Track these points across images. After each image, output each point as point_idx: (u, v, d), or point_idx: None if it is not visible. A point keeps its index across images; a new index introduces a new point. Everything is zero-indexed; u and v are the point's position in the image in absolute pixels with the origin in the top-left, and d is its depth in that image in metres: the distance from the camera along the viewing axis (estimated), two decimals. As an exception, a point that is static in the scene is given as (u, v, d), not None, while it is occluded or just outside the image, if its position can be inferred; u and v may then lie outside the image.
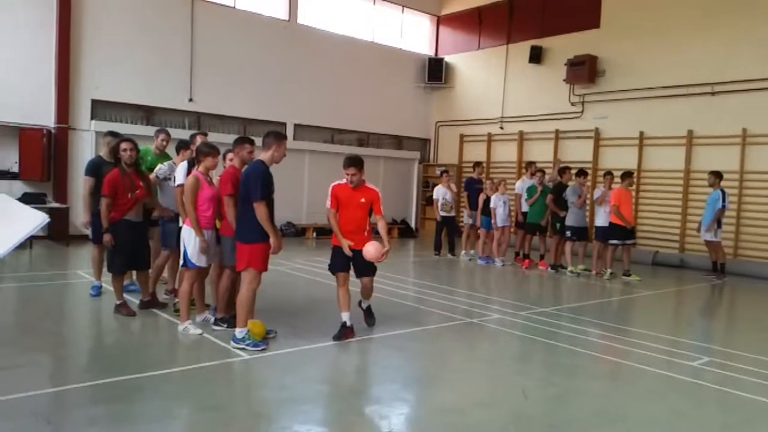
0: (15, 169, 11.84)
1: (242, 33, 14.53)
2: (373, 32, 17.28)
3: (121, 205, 6.20)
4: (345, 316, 5.78)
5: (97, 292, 7.15)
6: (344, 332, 5.73)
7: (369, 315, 6.26)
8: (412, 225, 17.80)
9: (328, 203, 5.84)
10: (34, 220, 3.76)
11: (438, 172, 14.69)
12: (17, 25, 11.70)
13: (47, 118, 12.15)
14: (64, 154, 12.32)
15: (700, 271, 11.66)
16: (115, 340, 5.78)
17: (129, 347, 5.52)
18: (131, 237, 6.32)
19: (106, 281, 6.93)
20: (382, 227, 5.92)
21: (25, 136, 11.80)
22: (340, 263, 5.83)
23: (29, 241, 11.14)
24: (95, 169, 6.90)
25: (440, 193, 12.33)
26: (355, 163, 5.72)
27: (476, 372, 5.21)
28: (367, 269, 5.90)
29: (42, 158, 11.91)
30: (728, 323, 8.41)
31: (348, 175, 5.71)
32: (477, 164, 13.01)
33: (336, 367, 5.10)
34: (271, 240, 5.29)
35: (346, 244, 5.72)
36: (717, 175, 10.87)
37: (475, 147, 17.12)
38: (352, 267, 5.89)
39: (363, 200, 5.78)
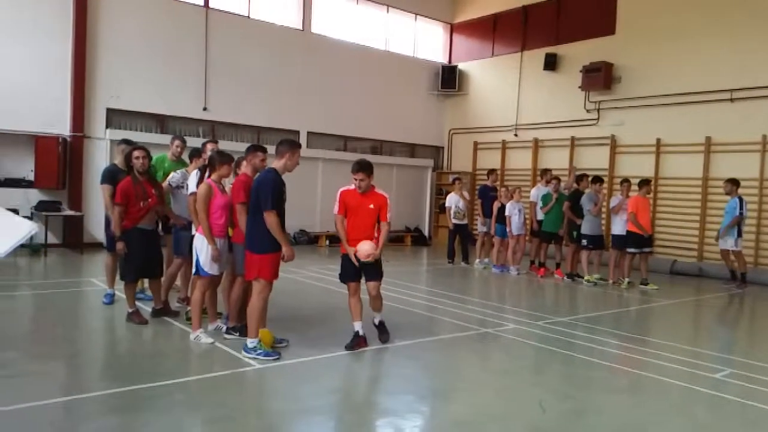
0: (31, 177, 11.94)
1: (256, 42, 14.58)
2: (386, 40, 17.27)
3: (134, 213, 6.18)
4: (357, 326, 5.70)
5: (110, 300, 7.13)
6: (357, 342, 5.64)
7: (383, 331, 5.97)
8: (426, 233, 17.69)
9: (336, 209, 5.74)
10: (23, 229, 3.72)
11: (451, 180, 14.59)
12: (34, 35, 11.82)
13: (63, 127, 12.24)
14: (79, 163, 12.40)
15: (719, 280, 11.44)
16: (127, 348, 5.74)
17: (141, 356, 5.48)
18: (144, 245, 6.29)
19: (120, 289, 6.91)
20: (382, 233, 5.75)
21: (41, 144, 11.89)
22: (350, 272, 5.74)
23: (44, 249, 11.22)
24: (111, 176, 6.89)
25: (453, 200, 12.24)
26: (363, 168, 5.60)
27: (491, 383, 5.09)
28: (373, 274, 5.74)
29: (57, 166, 11.99)
30: (749, 334, 8.21)
31: (356, 180, 5.60)
32: (491, 172, 12.91)
33: (349, 378, 5.01)
34: (284, 249, 5.23)
35: (352, 252, 5.60)
36: (734, 183, 10.69)
37: (490, 154, 17.01)
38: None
39: (372, 206, 5.67)
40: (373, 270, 5.72)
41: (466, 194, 12.47)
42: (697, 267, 12.30)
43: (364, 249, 5.55)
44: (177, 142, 7.60)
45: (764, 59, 11.86)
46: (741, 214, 10.50)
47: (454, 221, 12.22)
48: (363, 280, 5.81)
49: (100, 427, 3.82)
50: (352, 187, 5.66)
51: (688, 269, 12.29)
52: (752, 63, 12.01)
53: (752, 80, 11.97)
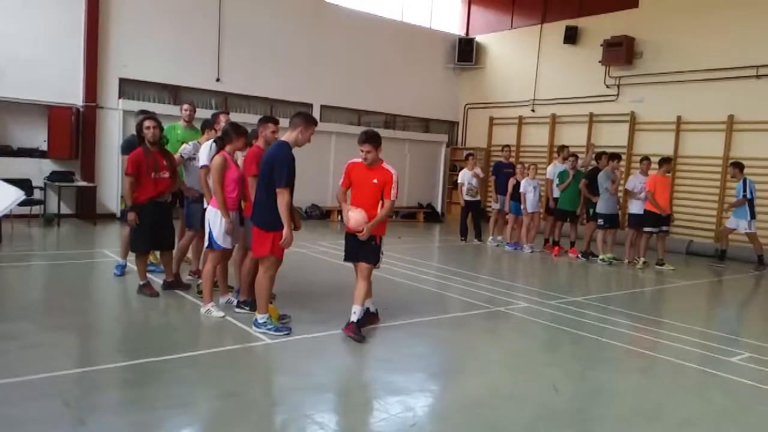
0: (44, 147, 11.92)
1: (270, 13, 14.35)
2: (402, 11, 16.94)
3: (146, 185, 6.12)
4: (368, 302, 5.60)
5: (121, 271, 7.12)
6: (368, 319, 5.57)
7: (359, 329, 5.21)
8: (438, 209, 17.56)
9: (341, 180, 5.48)
10: (10, 196, 3.67)
11: (464, 156, 14.43)
12: (46, 5, 11.70)
13: (76, 97, 12.18)
14: (92, 133, 12.37)
15: (736, 261, 11.24)
16: (137, 321, 5.73)
17: (151, 329, 5.47)
18: (156, 217, 6.24)
19: (133, 261, 6.90)
20: (383, 210, 5.29)
21: (54, 114, 11.85)
22: (349, 251, 5.43)
23: (57, 220, 11.26)
24: (131, 147, 6.80)
25: (465, 177, 12.06)
26: (370, 138, 5.20)
27: (503, 363, 5.02)
28: (367, 255, 5.34)
29: (70, 136, 11.98)
30: (767, 317, 8.07)
31: (363, 152, 5.22)
32: (504, 147, 12.70)
33: (359, 354, 4.96)
34: (285, 231, 5.01)
35: (346, 210, 5.27)
36: (736, 166, 10.62)
37: (505, 130, 16.74)
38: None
39: (375, 181, 5.27)
40: (368, 250, 5.32)
41: (478, 171, 12.28)
42: (714, 248, 12.08)
43: (354, 217, 5.19)
44: (186, 106, 7.57)
45: (793, 35, 11.48)
46: (745, 196, 10.39)
47: (467, 198, 12.06)
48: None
49: (110, 400, 3.81)
50: (360, 159, 5.33)
51: (704, 250, 12.09)
52: (780, 38, 11.62)
53: (779, 56, 11.60)
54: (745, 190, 10.42)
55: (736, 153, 12.23)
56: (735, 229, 10.77)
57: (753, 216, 10.49)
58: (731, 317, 7.72)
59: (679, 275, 9.72)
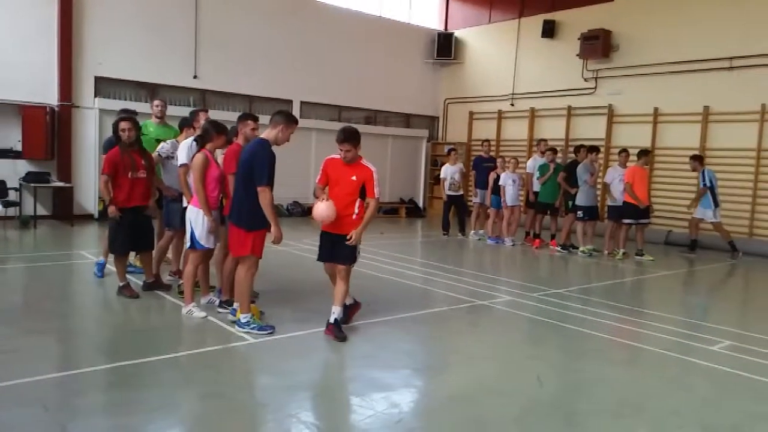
0: (18, 147, 11.68)
1: (247, 8, 14.20)
2: (380, 6, 16.89)
3: (123, 185, 6.02)
4: (347, 298, 5.46)
5: (100, 270, 6.97)
6: (351, 312, 5.49)
7: (339, 329, 5.12)
8: (420, 204, 17.58)
9: (317, 177, 5.29)
10: None
11: (447, 151, 14.45)
12: (16, 2, 11.45)
13: (50, 96, 11.95)
14: (67, 132, 12.15)
15: (713, 251, 11.42)
16: (117, 323, 5.64)
17: (132, 330, 5.39)
18: (134, 218, 6.15)
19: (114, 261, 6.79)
20: (368, 211, 5.10)
21: (28, 114, 11.61)
22: (323, 251, 5.27)
23: (33, 221, 11.05)
24: (111, 147, 6.70)
25: (448, 171, 12.07)
26: (350, 138, 5.00)
27: (488, 357, 5.03)
28: (344, 254, 5.15)
29: (45, 136, 11.75)
30: (745, 305, 8.20)
31: (342, 151, 5.05)
32: (484, 141, 12.74)
33: (343, 352, 4.94)
34: (273, 229, 4.99)
35: (323, 198, 5.08)
36: (696, 159, 10.87)
37: (485, 124, 16.79)
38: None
39: (354, 178, 5.06)
40: (345, 251, 5.12)
41: (462, 167, 12.32)
42: (692, 238, 12.25)
43: (319, 211, 5.00)
44: (157, 102, 7.44)
45: (763, 26, 11.64)
46: (704, 185, 10.60)
47: (449, 193, 12.08)
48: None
49: (91, 403, 3.74)
50: (338, 155, 5.13)
51: (683, 240, 12.24)
52: (752, 30, 11.78)
53: (752, 48, 11.76)
54: (704, 180, 10.62)
55: (711, 144, 12.43)
56: (703, 219, 10.98)
57: (716, 204, 10.72)
58: (710, 306, 7.83)
59: (659, 265, 9.84)
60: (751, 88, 11.80)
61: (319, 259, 5.35)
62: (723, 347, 5.41)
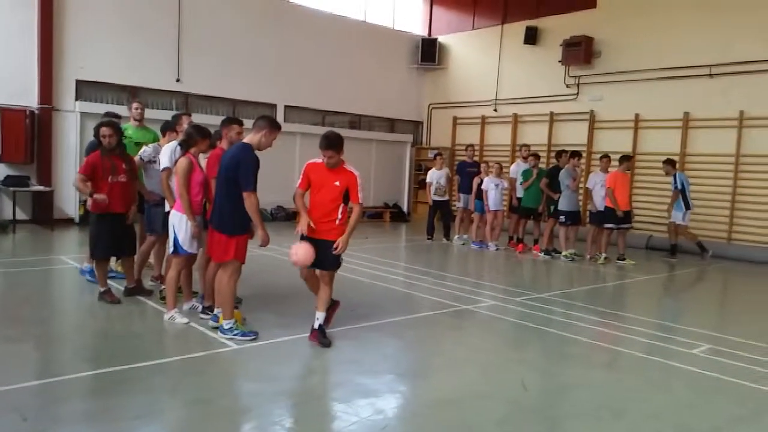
0: (-3, 151, 11.52)
1: (231, 12, 14.16)
2: (365, 12, 16.93)
3: (102, 188, 5.94)
4: None
5: (92, 275, 6.82)
6: (330, 312, 5.31)
7: (324, 335, 5.10)
8: (405, 209, 17.61)
9: (299, 182, 5.15)
10: None
11: (431, 156, 14.50)
12: (-3, 2, 11.33)
13: (30, 99, 11.80)
14: (48, 136, 11.99)
15: (693, 255, 11.58)
16: (98, 329, 5.57)
17: (113, 337, 5.32)
18: (115, 222, 6.08)
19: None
20: (353, 217, 5.07)
21: (6, 117, 11.44)
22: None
23: (12, 226, 10.89)
24: (94, 150, 6.62)
25: (434, 176, 12.12)
26: (333, 145, 4.90)
27: (472, 361, 5.05)
28: (328, 262, 5.08)
29: (25, 140, 11.59)
30: (725, 309, 8.32)
31: (325, 158, 4.96)
32: (468, 147, 12.82)
33: (327, 357, 4.92)
34: (260, 233, 4.98)
35: (305, 222, 4.97)
36: (669, 162, 11.01)
37: (469, 130, 16.89)
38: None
39: (337, 183, 4.99)
40: (330, 257, 5.04)
41: (448, 171, 12.40)
42: (672, 242, 12.41)
43: (300, 255, 4.88)
44: (136, 104, 7.34)
45: (742, 34, 11.85)
46: (676, 187, 10.78)
47: (435, 197, 12.13)
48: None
49: (72, 411, 3.69)
50: (320, 159, 5.02)
51: (663, 244, 12.40)
52: (731, 37, 11.99)
53: (731, 55, 11.98)
54: (675, 183, 10.81)
55: (691, 150, 12.62)
56: (681, 223, 11.16)
57: (688, 207, 10.90)
58: (690, 310, 7.92)
59: (640, 270, 9.96)
60: (730, 95, 12.00)
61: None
62: (702, 351, 5.48)
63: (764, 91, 11.58)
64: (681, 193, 10.83)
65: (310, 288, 5.37)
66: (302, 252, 4.89)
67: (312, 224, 5.01)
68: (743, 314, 7.57)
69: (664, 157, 12.96)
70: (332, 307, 5.42)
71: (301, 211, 5.10)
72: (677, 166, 11.05)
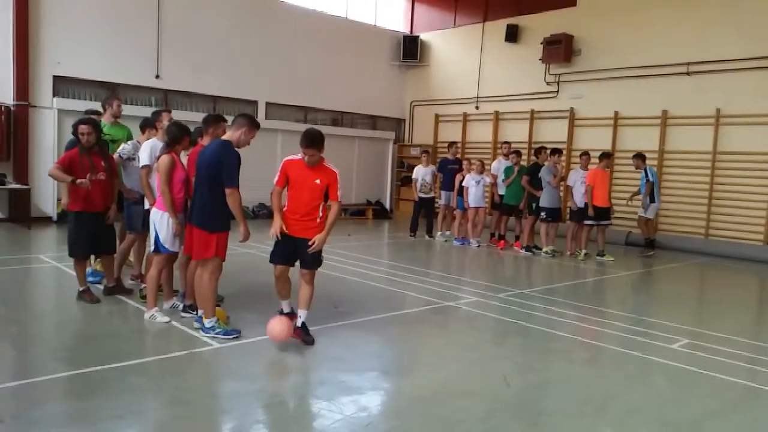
0: (-29, 148, 11.30)
1: (211, 7, 14.02)
2: (347, 8, 16.87)
3: (81, 187, 5.83)
4: (284, 305, 5.33)
5: (93, 275, 6.72)
6: (288, 316, 5.24)
7: (306, 332, 5.08)
8: (387, 206, 17.61)
9: (276, 179, 5.05)
10: None
11: (419, 152, 14.54)
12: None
13: (6, 95, 11.58)
14: (24, 133, 11.79)
15: (669, 251, 11.74)
16: (78, 329, 5.50)
17: (92, 336, 5.25)
18: (94, 220, 5.99)
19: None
20: (331, 215, 5.00)
21: (-19, 113, 11.25)
22: (280, 253, 5.05)
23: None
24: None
25: (419, 173, 12.19)
26: (315, 142, 4.84)
27: (455, 358, 5.07)
28: (308, 261, 5.02)
29: (1, 137, 11.38)
30: (702, 304, 8.46)
31: (306, 156, 4.89)
32: (451, 144, 12.86)
33: (310, 355, 4.90)
34: (242, 228, 4.98)
35: (278, 225, 4.93)
36: (639, 157, 11.16)
37: (451, 127, 16.93)
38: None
39: (318, 181, 4.92)
40: (311, 257, 5.00)
41: (434, 168, 12.46)
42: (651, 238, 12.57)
43: (277, 332, 4.78)
44: (117, 102, 7.20)
45: (719, 32, 12.03)
46: (648, 180, 10.97)
47: (420, 194, 12.17)
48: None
49: (51, 413, 3.63)
50: (299, 156, 4.96)
51: (641, 240, 12.54)
52: (708, 36, 12.17)
53: (708, 54, 12.15)
54: (647, 176, 10.97)
55: (669, 147, 12.78)
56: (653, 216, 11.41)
57: (653, 200, 11.06)
58: (668, 305, 8.01)
59: (619, 266, 10.07)
60: (707, 93, 12.18)
61: (273, 261, 5.14)
62: (681, 345, 5.56)
63: (740, 89, 11.77)
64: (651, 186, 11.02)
65: (278, 289, 5.27)
66: (278, 329, 4.80)
67: (285, 228, 4.96)
68: (720, 309, 7.70)
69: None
70: (289, 316, 5.25)
71: (276, 212, 5.04)
72: (646, 161, 11.17)
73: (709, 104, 12.14)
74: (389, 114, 18.07)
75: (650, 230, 11.43)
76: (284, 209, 5.06)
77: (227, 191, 4.88)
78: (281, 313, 5.31)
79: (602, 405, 4.13)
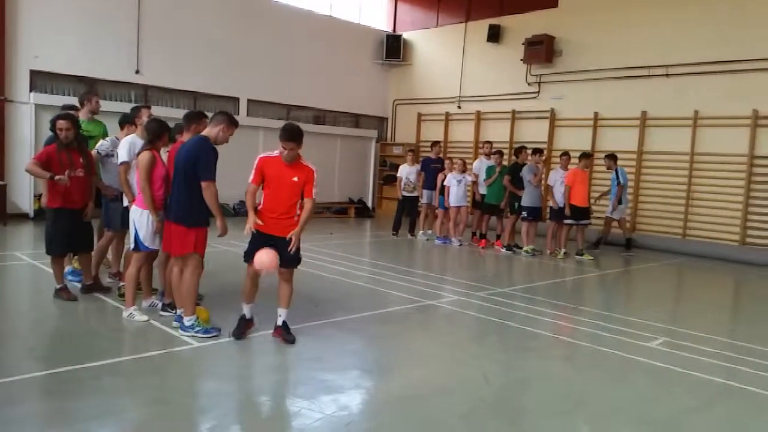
0: (-55, 143, 11.07)
1: (193, 2, 13.89)
2: (330, 6, 16.82)
3: (58, 183, 5.73)
4: (246, 309, 5.18)
5: (74, 275, 6.62)
6: (244, 327, 5.10)
7: (287, 332, 5.06)
8: (369, 205, 17.60)
9: (251, 177, 4.92)
10: None
11: (402, 151, 14.56)
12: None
13: (-20, 89, 11.38)
14: (0, 128, 11.57)
15: (646, 250, 11.89)
16: (54, 327, 5.42)
17: (69, 335, 5.18)
18: (71, 218, 5.91)
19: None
20: (305, 213, 4.91)
21: (-45, 107, 11.02)
22: (255, 252, 4.87)
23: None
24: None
25: (404, 172, 12.23)
26: (295, 136, 4.78)
27: (436, 356, 5.09)
28: (287, 259, 4.92)
29: (-25, 132, 11.18)
30: (678, 303, 8.58)
31: (286, 150, 4.79)
32: (434, 144, 12.90)
33: (291, 354, 4.89)
34: (219, 223, 4.98)
35: (252, 220, 4.83)
36: (611, 158, 11.37)
37: (433, 126, 16.98)
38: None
39: (296, 179, 4.85)
40: (290, 256, 4.92)
41: (419, 167, 12.49)
42: (627, 238, 12.71)
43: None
44: (96, 99, 7.07)
45: (698, 35, 12.20)
46: (619, 183, 11.18)
47: (404, 193, 12.21)
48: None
49: (26, 413, 3.58)
50: (275, 153, 4.89)
51: (619, 240, 12.69)
52: (687, 38, 12.34)
53: (686, 56, 12.31)
54: (618, 178, 11.16)
55: (648, 148, 12.95)
56: (621, 217, 11.63)
57: (621, 202, 11.28)
58: (646, 304, 8.11)
59: (598, 265, 10.18)
60: (685, 95, 12.35)
61: (248, 260, 4.99)
62: (659, 344, 5.64)
63: (717, 92, 11.96)
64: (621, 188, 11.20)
65: (245, 289, 5.11)
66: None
67: (260, 221, 4.88)
68: (696, 308, 7.82)
69: (622, 155, 13.30)
70: (247, 324, 5.16)
71: (250, 209, 4.95)
72: (617, 162, 11.38)
73: (687, 106, 12.32)
74: (372, 112, 18.06)
75: (606, 231, 11.68)
76: (260, 207, 4.98)
77: (203, 184, 4.87)
78: (243, 319, 5.14)
79: (581, 402, 4.17)
